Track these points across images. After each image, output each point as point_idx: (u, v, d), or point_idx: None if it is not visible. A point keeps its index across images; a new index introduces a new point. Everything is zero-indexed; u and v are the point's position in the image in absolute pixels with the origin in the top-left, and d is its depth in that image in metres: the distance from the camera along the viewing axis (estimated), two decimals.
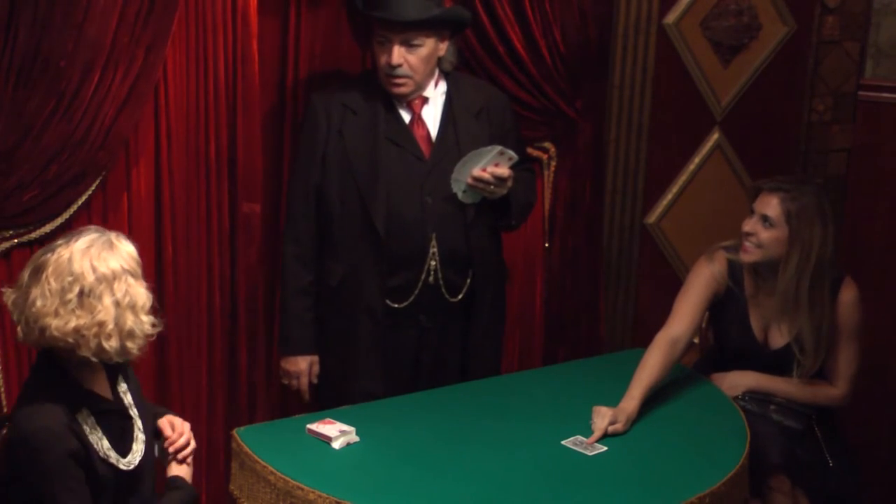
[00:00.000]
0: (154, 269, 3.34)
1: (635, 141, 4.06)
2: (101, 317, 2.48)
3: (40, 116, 2.94)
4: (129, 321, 2.52)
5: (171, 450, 2.75)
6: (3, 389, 3.07)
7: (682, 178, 4.20)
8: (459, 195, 3.25)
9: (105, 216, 3.21)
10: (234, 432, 2.88)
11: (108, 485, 2.56)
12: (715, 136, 4.22)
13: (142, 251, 3.25)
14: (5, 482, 2.56)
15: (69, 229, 3.06)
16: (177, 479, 2.72)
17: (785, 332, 3.31)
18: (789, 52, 4.23)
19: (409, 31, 3.18)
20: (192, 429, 2.80)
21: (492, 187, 3.24)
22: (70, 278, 2.47)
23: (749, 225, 3.27)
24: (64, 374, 2.54)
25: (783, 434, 3.26)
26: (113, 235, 2.57)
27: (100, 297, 2.48)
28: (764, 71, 4.22)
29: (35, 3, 2.87)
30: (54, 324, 2.45)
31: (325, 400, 3.37)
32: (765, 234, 3.25)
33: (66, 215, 3.11)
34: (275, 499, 2.69)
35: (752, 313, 3.35)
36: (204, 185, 3.37)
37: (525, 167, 3.51)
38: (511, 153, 3.23)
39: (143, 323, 2.55)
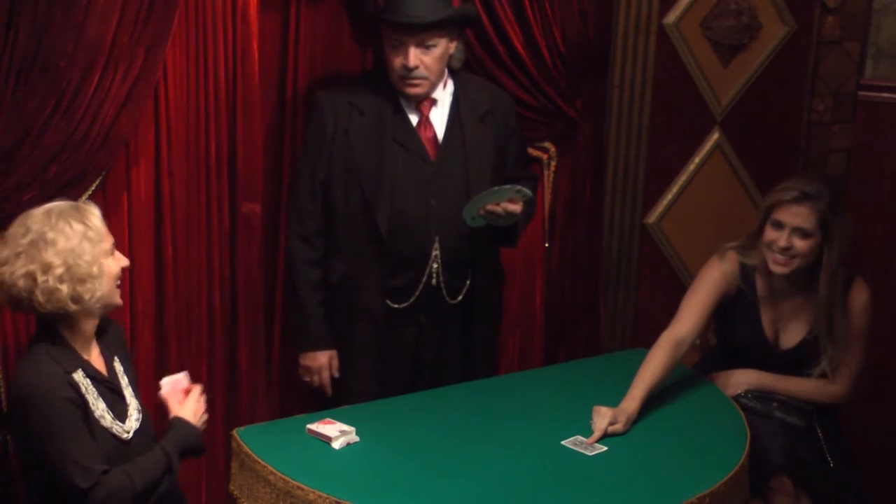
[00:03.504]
0: (154, 269, 3.34)
1: (635, 141, 4.06)
2: (49, 258, 2.52)
3: (40, 116, 2.94)
4: (81, 266, 2.55)
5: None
6: (3, 389, 3.06)
7: (682, 178, 4.20)
8: (468, 221, 3.26)
9: (105, 216, 3.20)
10: (234, 432, 2.88)
11: (104, 448, 2.58)
12: (715, 136, 4.22)
13: (142, 251, 3.29)
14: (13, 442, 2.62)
15: None
16: (180, 420, 2.78)
17: (800, 332, 3.30)
18: (789, 52, 4.23)
19: (423, 32, 3.17)
20: None
21: (500, 220, 3.26)
22: (23, 229, 2.56)
23: (783, 240, 3.20)
24: (61, 339, 2.60)
25: (785, 432, 3.26)
26: (73, 205, 2.66)
27: (51, 243, 2.53)
28: (764, 71, 4.22)
29: (35, 3, 2.86)
30: (7, 271, 2.52)
31: (325, 399, 3.37)
32: (801, 244, 3.20)
33: None
34: (275, 499, 2.69)
35: (764, 314, 3.34)
36: (204, 185, 3.37)
37: (528, 175, 3.53)
38: (527, 191, 3.23)
39: (97, 264, 2.59)
